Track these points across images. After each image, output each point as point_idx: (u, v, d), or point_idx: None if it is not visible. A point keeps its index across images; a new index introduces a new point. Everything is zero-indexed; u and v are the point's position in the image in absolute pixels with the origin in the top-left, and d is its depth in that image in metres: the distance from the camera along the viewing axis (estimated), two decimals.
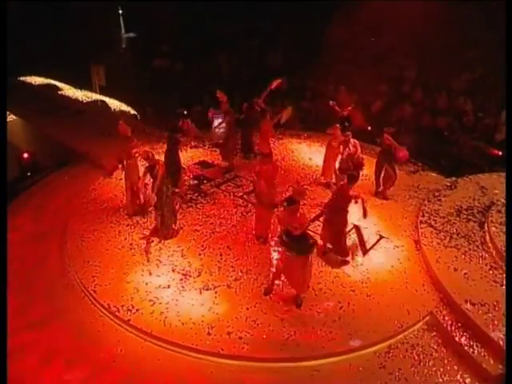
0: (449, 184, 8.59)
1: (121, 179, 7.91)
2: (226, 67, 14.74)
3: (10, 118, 12.24)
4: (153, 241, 6.77)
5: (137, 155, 7.02)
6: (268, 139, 8.38)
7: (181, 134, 7.68)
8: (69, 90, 15.02)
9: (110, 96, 14.01)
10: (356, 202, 6.23)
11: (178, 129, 7.65)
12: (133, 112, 13.12)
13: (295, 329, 5.29)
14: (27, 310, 5.70)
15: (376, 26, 13.17)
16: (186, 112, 10.34)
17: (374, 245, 6.91)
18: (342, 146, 7.81)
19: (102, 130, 10.34)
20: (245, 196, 8.15)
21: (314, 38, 13.51)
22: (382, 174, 8.13)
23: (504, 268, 6.18)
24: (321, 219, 6.84)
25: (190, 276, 6.10)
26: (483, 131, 10.70)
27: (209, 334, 5.22)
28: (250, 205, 7.77)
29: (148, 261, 6.40)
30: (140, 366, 4.98)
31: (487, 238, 6.90)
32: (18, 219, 7.63)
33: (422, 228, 7.12)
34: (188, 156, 9.81)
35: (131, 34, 20.44)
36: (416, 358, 5.11)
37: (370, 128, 9.41)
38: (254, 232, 6.95)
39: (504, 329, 5.14)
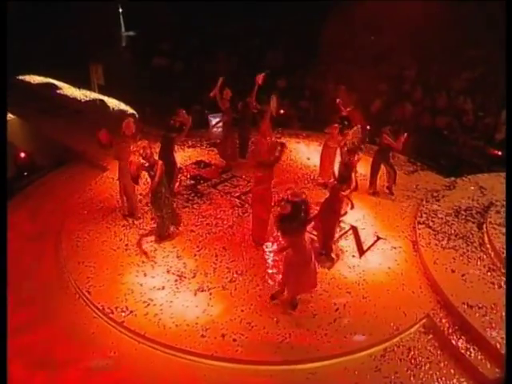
0: (447, 184, 8.53)
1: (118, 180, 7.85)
2: (225, 66, 14.66)
3: (8, 117, 12.18)
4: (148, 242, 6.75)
5: (137, 152, 6.88)
6: (267, 138, 8.33)
7: (176, 134, 7.61)
8: (67, 89, 14.95)
9: (109, 95, 13.94)
10: (352, 208, 6.29)
11: (172, 128, 7.58)
12: (131, 111, 13.05)
13: (290, 331, 5.24)
14: (20, 310, 5.64)
15: (376, 25, 13.11)
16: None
17: (371, 246, 6.85)
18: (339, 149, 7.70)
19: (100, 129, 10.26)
20: (242, 196, 8.10)
21: (313, 37, 13.44)
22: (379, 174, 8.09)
23: (502, 270, 6.13)
24: None
25: (184, 277, 6.05)
26: (483, 131, 10.63)
27: (203, 336, 5.17)
28: (246, 205, 7.71)
29: (145, 255, 6.42)
30: (134, 369, 4.93)
31: (486, 239, 6.84)
32: (14, 219, 7.57)
33: (419, 229, 7.06)
34: (185, 155, 9.77)
35: (131, 33, 20.36)
36: (412, 361, 5.05)
37: (368, 127, 9.33)
38: (251, 233, 6.89)
39: (502, 332, 5.08)
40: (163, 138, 7.69)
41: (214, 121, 10.90)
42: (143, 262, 6.37)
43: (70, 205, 7.89)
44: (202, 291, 5.81)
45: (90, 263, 6.32)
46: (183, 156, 9.68)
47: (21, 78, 15.91)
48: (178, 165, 8.26)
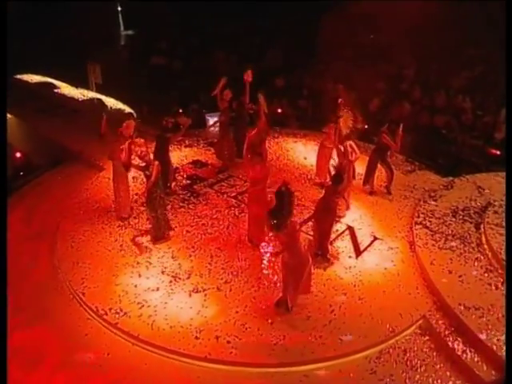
0: (445, 184, 8.47)
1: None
2: (224, 66, 14.61)
3: None
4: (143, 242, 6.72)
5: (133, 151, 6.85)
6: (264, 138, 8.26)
7: (171, 134, 7.57)
8: (65, 88, 14.88)
9: (107, 94, 13.88)
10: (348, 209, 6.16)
11: (167, 128, 7.53)
12: (129, 110, 12.98)
13: (284, 333, 5.19)
14: (14, 311, 5.59)
15: (375, 24, 13.03)
16: (181, 110, 10.26)
17: (368, 246, 6.80)
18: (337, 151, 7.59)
19: (98, 129, 10.21)
20: (238, 196, 8.05)
21: (313, 37, 13.39)
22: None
23: (500, 271, 6.08)
24: None
25: (179, 278, 6.01)
26: (482, 130, 10.58)
27: (197, 338, 5.13)
28: (243, 205, 7.67)
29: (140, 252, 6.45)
30: (127, 371, 4.89)
31: (483, 239, 6.79)
32: (10, 219, 7.53)
33: (416, 229, 7.02)
34: (182, 155, 9.72)
35: (130, 32, 20.29)
36: (408, 363, 5.01)
37: (366, 126, 9.27)
38: (247, 234, 6.84)
39: (498, 334, 5.04)
40: (158, 138, 7.65)
41: (211, 120, 10.84)
42: (138, 262, 6.33)
43: (66, 205, 7.85)
44: (197, 292, 5.78)
45: (85, 264, 6.29)
46: (180, 155, 9.63)
47: (18, 77, 15.84)
48: (174, 165, 8.21)
